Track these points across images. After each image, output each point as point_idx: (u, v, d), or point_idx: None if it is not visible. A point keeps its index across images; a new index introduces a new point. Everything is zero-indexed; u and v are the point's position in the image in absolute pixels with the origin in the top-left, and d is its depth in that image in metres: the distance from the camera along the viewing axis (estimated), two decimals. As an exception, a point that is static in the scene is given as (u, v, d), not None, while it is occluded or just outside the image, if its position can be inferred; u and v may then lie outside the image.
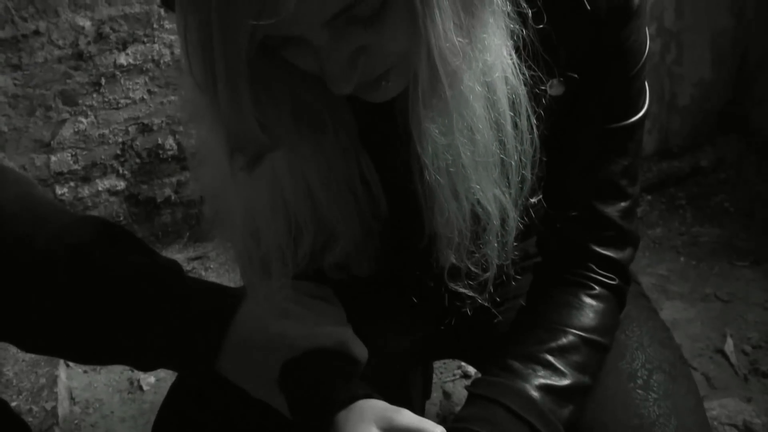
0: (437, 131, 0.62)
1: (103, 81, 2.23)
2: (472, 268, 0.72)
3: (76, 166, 2.32)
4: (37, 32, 2.15)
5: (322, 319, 0.78)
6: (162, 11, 2.20)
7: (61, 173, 2.31)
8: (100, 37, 2.19)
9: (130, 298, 0.77)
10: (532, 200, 0.75)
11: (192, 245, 2.43)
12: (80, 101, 2.24)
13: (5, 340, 0.80)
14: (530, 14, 0.63)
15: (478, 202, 0.67)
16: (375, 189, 0.77)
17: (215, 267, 2.33)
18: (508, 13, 0.61)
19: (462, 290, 0.74)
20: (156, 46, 2.24)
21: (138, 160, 2.36)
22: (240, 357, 0.76)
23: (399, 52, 0.59)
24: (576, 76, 0.73)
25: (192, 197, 2.40)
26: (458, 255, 0.71)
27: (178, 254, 2.40)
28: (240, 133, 0.58)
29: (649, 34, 0.76)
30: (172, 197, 2.42)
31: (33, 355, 1.94)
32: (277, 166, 0.68)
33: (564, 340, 0.76)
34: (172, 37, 2.23)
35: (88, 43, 2.19)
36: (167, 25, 2.22)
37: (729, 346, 1.79)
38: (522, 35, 0.63)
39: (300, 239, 0.76)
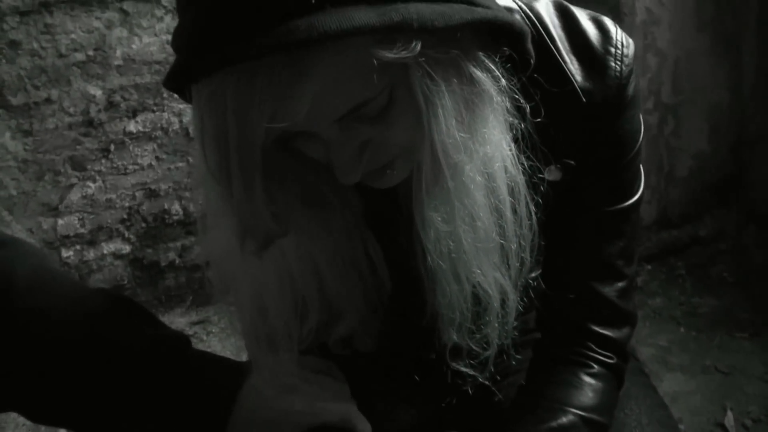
0: (439, 219, 0.65)
1: (112, 147, 2.28)
2: (474, 347, 0.74)
3: (82, 230, 2.35)
4: (48, 100, 2.22)
5: (326, 395, 0.79)
6: (172, 81, 2.27)
7: (67, 236, 2.35)
8: (110, 105, 2.25)
9: (138, 372, 0.78)
10: (532, 276, 0.77)
11: (194, 309, 2.44)
12: (89, 167, 2.29)
13: (14, 410, 0.81)
14: (528, 108, 0.66)
15: (479, 284, 0.69)
16: (379, 267, 0.80)
17: (217, 331, 2.33)
18: (507, 108, 0.64)
19: (463, 369, 0.76)
20: (165, 114, 2.30)
21: (144, 225, 2.39)
22: (245, 432, 0.77)
23: (403, 144, 0.62)
24: (573, 162, 0.76)
25: (196, 261, 2.42)
26: (460, 334, 0.73)
27: (180, 318, 2.42)
28: (252, 222, 0.60)
29: (647, 108, 0.80)
30: (177, 261, 2.44)
31: (33, 420, 1.94)
32: (286, 247, 0.70)
33: (564, 420, 0.77)
34: (181, 106, 2.30)
35: (99, 110, 2.25)
36: (176, 94, 2.28)
37: (729, 420, 1.79)
38: (521, 128, 0.66)
39: (306, 315, 0.78)
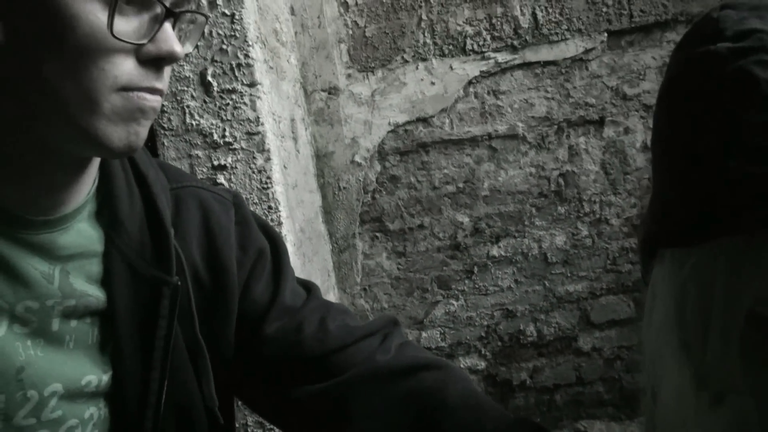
0: None
1: (475, 269, 2.48)
2: None
3: (443, 343, 2.55)
4: (421, 226, 2.50)
5: None
6: (533, 210, 2.42)
7: (429, 348, 2.56)
8: (476, 231, 2.46)
9: None
10: None
11: None
12: (453, 286, 2.51)
13: None
14: None
15: None
16: None
17: (566, 456, 2.34)
18: None
19: None
20: (525, 240, 2.45)
21: (499, 343, 2.52)
22: None
23: None
24: None
25: (545, 384, 2.48)
26: None
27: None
28: (714, 376, 0.65)
29: None
30: (527, 381, 2.52)
31: None
32: (730, 400, 0.74)
33: None
34: (541, 233, 2.43)
35: (465, 236, 2.47)
36: (537, 222, 2.43)
37: None
38: None
39: None
